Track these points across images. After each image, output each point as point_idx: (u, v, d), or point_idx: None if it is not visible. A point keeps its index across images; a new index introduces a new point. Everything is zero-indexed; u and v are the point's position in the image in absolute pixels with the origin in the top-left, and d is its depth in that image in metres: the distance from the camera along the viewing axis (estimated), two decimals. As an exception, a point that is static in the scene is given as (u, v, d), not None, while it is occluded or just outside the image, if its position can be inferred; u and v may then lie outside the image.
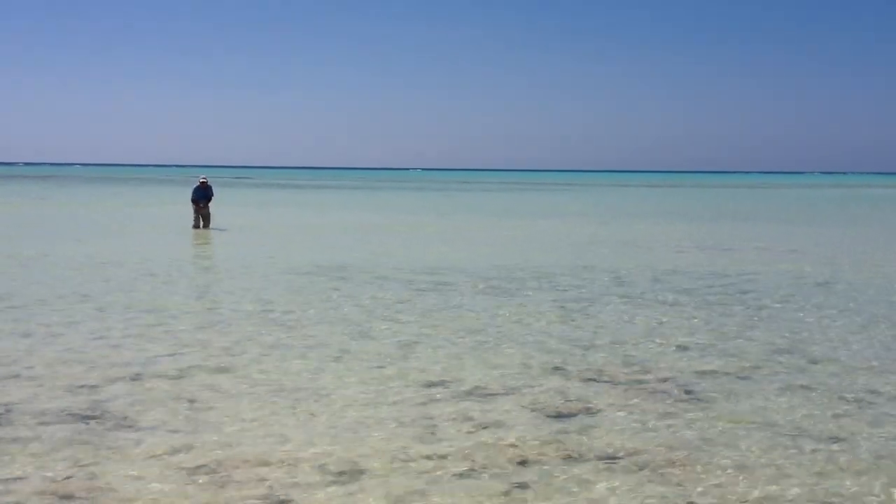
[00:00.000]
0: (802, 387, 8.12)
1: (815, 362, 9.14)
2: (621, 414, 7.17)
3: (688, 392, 7.88)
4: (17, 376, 8.11)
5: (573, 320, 11.44)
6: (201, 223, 26.19)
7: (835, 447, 6.43)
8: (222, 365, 8.68)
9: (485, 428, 6.75)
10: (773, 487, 5.62)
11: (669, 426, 6.85)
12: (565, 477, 5.76)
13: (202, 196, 26.28)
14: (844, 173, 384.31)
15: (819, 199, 68.25)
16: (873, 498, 5.51)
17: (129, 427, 6.65)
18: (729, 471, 5.90)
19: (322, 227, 29.67)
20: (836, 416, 7.22)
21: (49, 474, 5.66)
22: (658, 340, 10.17)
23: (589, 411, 7.24)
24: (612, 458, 6.13)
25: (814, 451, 6.34)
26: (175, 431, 6.57)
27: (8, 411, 6.99)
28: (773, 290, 14.51)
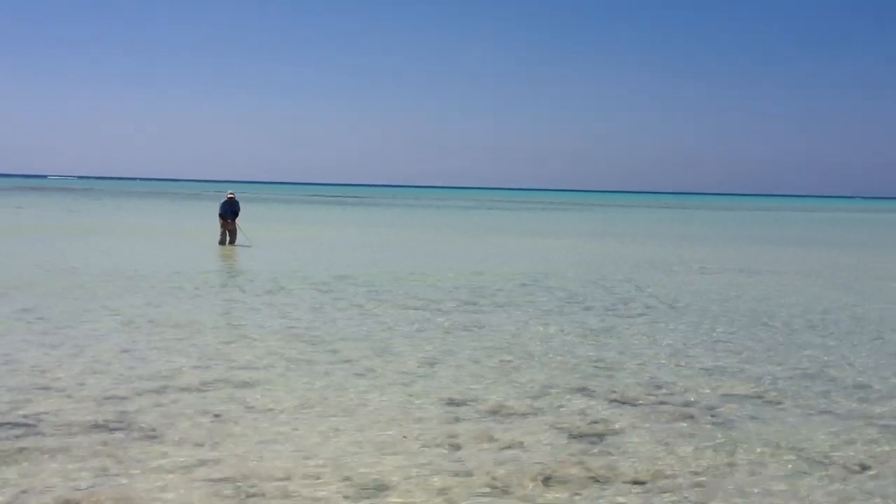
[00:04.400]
0: (829, 412, 8.05)
1: (841, 387, 9.05)
2: (646, 436, 7.14)
3: (713, 415, 7.83)
4: (45, 388, 8.20)
5: (597, 340, 11.40)
6: (227, 238, 26.36)
7: (861, 474, 6.36)
8: (247, 379, 8.73)
9: (508, 448, 6.74)
10: (799, 513, 5.56)
11: (694, 450, 6.81)
12: (589, 499, 5.73)
13: (229, 211, 26.44)
14: (882, 198, 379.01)
15: (848, 222, 67.62)
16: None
17: (155, 439, 6.70)
18: (753, 497, 5.85)
19: (347, 242, 29.77)
20: (863, 441, 7.14)
21: (75, 485, 5.71)
22: (683, 362, 10.12)
23: (613, 433, 7.21)
24: (636, 481, 6.09)
25: (840, 477, 6.28)
26: (200, 445, 6.61)
27: (36, 422, 7.07)
28: (800, 313, 14.39)
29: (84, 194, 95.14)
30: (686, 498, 5.78)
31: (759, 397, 8.56)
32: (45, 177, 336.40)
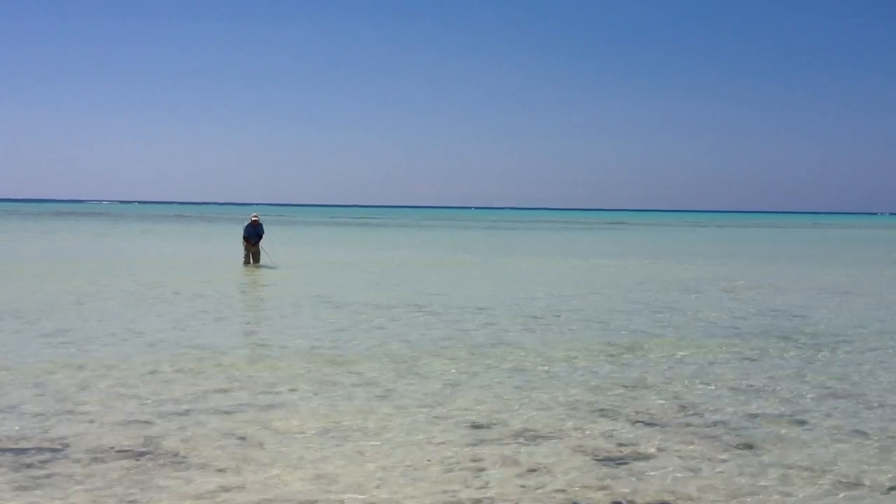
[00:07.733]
0: (858, 432, 7.94)
1: (870, 407, 8.93)
2: (672, 459, 7.07)
3: (740, 436, 7.74)
4: (71, 412, 8.25)
5: (622, 361, 11.33)
6: (252, 260, 26.53)
7: (888, 494, 6.26)
8: (271, 403, 8.74)
9: (532, 471, 6.69)
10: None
11: (721, 472, 6.73)
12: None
13: (253, 234, 26.64)
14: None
15: (879, 239, 66.94)
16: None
17: (180, 464, 6.72)
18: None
19: (371, 264, 29.82)
20: (892, 462, 7.04)
21: (101, 511, 5.72)
22: (709, 383, 10.02)
23: (638, 455, 7.15)
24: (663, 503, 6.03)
25: (868, 498, 6.18)
26: (224, 470, 6.61)
27: (62, 447, 7.11)
28: (828, 332, 14.25)
29: (115, 218, 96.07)
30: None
31: (787, 417, 8.46)
32: (83, 201, 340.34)
